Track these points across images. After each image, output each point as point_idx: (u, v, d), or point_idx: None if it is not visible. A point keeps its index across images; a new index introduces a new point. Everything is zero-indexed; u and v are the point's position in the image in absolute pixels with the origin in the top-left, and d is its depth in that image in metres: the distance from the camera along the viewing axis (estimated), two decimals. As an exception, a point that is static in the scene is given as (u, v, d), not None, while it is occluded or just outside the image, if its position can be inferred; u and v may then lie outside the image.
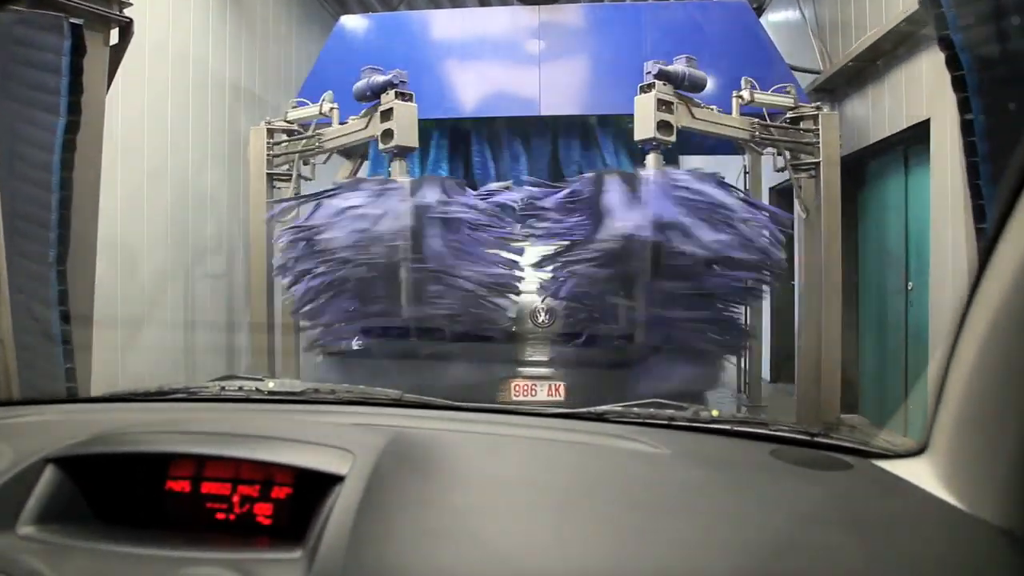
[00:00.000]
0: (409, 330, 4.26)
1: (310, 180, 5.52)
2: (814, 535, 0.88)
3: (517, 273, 4.31)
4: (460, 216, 4.21)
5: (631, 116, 4.60)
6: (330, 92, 5.14)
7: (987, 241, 0.87)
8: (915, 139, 5.23)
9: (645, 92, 4.41)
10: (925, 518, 0.95)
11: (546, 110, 5.54)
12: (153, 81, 5.55)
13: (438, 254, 4.10)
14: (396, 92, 4.51)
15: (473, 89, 5.66)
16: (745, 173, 6.55)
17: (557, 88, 5.57)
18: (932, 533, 0.91)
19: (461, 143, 5.83)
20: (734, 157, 6.60)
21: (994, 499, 0.87)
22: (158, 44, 5.53)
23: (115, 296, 4.91)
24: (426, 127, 5.62)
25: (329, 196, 4.40)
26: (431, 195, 4.20)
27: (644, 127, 4.39)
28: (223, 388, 1.53)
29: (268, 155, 5.31)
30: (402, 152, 4.58)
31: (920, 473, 1.00)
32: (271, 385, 1.53)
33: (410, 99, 4.58)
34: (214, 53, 6.49)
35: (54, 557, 0.83)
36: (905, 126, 5.26)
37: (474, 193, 4.46)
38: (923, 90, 5.04)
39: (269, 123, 5.39)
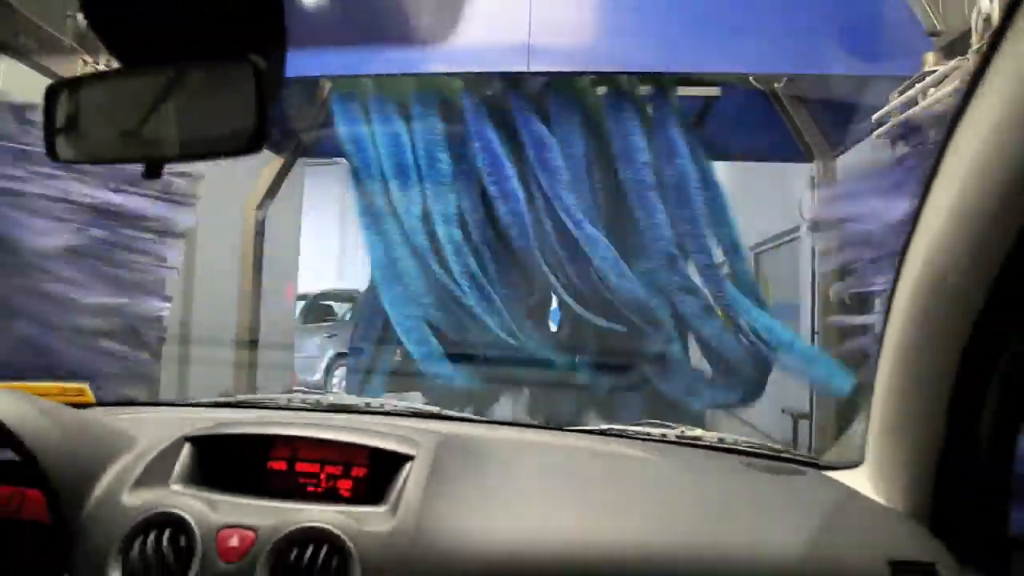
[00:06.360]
0: None
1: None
2: (774, 522, 1.17)
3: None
4: None
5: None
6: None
7: (899, 254, 0.96)
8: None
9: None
10: (852, 512, 1.22)
11: (536, 65, 3.96)
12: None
13: None
14: None
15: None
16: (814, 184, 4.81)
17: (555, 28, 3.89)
18: (855, 521, 1.19)
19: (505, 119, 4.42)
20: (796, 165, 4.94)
21: (909, 497, 1.14)
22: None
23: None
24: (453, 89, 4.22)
25: None
26: None
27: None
28: (289, 400, 1.83)
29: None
30: None
31: (856, 481, 1.29)
32: (331, 399, 1.84)
33: None
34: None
35: (202, 502, 1.12)
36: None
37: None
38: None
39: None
